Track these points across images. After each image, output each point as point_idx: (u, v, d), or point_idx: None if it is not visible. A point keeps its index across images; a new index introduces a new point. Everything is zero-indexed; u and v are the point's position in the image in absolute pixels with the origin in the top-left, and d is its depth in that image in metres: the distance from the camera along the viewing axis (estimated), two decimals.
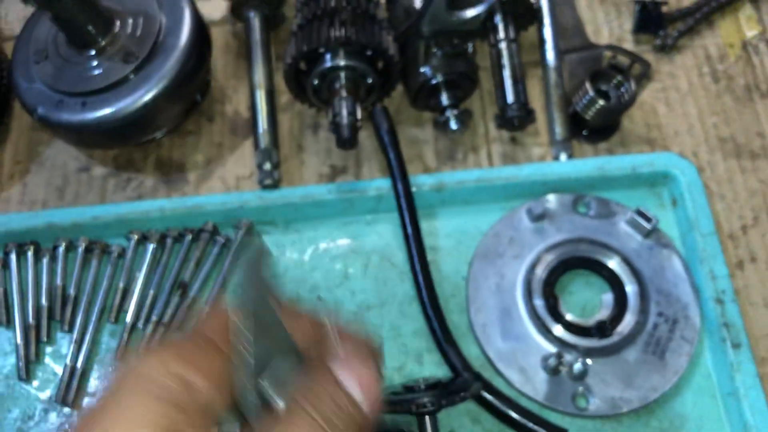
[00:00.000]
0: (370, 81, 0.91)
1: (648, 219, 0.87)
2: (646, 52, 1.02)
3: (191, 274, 0.89)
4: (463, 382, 0.78)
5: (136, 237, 0.90)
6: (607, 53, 1.01)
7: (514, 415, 0.79)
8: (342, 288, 0.89)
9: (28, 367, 0.85)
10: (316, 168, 0.97)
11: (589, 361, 0.81)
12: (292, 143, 0.98)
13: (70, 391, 0.84)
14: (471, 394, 0.74)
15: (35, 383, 0.85)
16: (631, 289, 0.85)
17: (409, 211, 0.88)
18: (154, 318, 0.86)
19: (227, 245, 0.90)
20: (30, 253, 0.90)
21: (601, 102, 0.92)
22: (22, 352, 0.86)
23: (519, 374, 0.82)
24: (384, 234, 0.92)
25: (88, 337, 0.86)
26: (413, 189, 0.89)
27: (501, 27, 0.96)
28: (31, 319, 0.87)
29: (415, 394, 0.75)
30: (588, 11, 1.05)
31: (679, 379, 0.82)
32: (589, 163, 0.92)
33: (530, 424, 0.79)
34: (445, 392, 0.74)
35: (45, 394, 0.85)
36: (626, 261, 0.86)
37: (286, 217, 0.92)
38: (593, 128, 0.96)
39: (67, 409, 0.84)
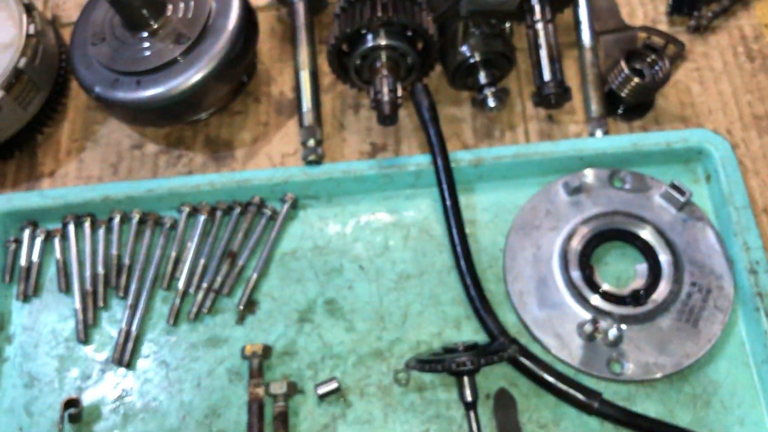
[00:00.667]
0: (409, 60, 0.95)
1: (682, 192, 0.89)
2: (681, 33, 1.04)
3: (239, 244, 0.93)
4: (500, 345, 0.81)
5: (187, 209, 0.94)
6: (642, 34, 1.03)
7: (549, 378, 0.81)
8: (383, 258, 0.92)
9: (86, 331, 0.90)
10: (357, 146, 1.00)
11: (623, 326, 0.83)
12: (334, 122, 1.02)
13: (125, 352, 0.88)
14: (508, 355, 0.77)
15: (93, 346, 0.90)
16: (664, 259, 0.87)
17: (448, 184, 0.91)
18: (204, 285, 0.90)
19: (273, 217, 0.94)
20: (87, 225, 0.95)
21: (636, 80, 0.94)
22: (80, 316, 0.90)
23: (555, 340, 0.84)
24: (423, 208, 0.95)
25: (141, 303, 0.90)
26: (452, 164, 0.92)
27: (538, 8, 0.99)
28: (88, 286, 0.92)
29: (455, 354, 0.78)
30: None
31: (713, 346, 0.84)
32: (624, 139, 0.94)
33: (565, 387, 0.81)
34: (483, 353, 0.77)
35: (102, 356, 0.89)
36: (660, 233, 0.88)
37: (328, 192, 0.96)
38: (628, 106, 0.98)
39: (122, 370, 0.88)
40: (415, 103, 0.96)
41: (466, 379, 0.79)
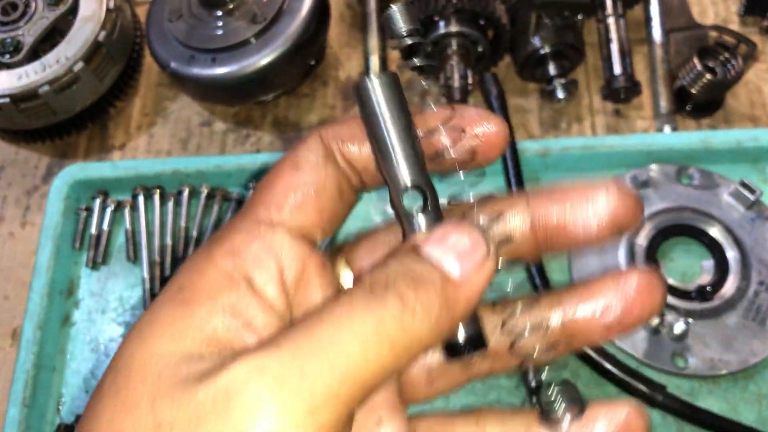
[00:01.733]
0: (480, 49, 0.96)
1: (752, 190, 0.88)
2: (753, 34, 1.03)
3: None
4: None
5: (254, 186, 0.96)
6: (713, 33, 1.02)
7: (613, 369, 0.81)
8: None
9: (153, 299, 0.92)
10: None
11: (690, 320, 0.83)
12: None
13: None
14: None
15: None
16: (732, 255, 0.86)
17: (515, 173, 0.91)
18: None
19: None
20: (156, 197, 0.97)
21: (708, 76, 0.94)
22: (147, 285, 0.92)
23: None
24: None
25: None
26: (519, 153, 0.93)
27: (609, 3, 0.99)
28: (156, 257, 0.94)
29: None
30: None
31: None
32: (693, 136, 0.93)
33: (630, 379, 0.81)
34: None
35: None
36: (728, 230, 0.88)
37: None
38: (697, 104, 0.98)
39: None
40: (483, 91, 0.96)
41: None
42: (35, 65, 0.96)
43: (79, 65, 0.96)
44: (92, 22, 0.98)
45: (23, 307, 0.92)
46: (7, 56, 0.97)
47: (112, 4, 1.00)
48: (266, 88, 1.00)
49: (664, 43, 1.00)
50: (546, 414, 0.43)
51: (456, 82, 0.91)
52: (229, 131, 1.04)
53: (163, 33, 1.00)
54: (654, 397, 0.80)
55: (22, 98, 0.95)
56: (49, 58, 0.96)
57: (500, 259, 0.40)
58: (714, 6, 1.06)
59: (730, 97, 0.99)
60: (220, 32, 0.97)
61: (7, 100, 0.95)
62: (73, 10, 0.99)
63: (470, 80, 0.92)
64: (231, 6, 0.97)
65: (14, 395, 0.85)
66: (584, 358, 0.83)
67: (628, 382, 0.81)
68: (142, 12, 1.06)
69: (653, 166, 0.93)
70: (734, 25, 1.04)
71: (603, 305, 0.42)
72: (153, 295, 0.92)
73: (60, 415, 0.88)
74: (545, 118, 1.00)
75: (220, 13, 0.97)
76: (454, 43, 0.94)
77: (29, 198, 1.02)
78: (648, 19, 1.02)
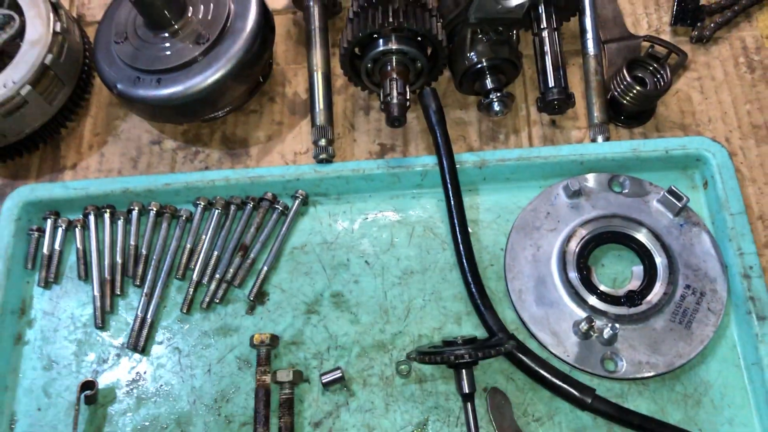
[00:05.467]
0: (419, 65, 0.98)
1: (679, 197, 0.92)
2: (684, 43, 1.07)
3: (252, 238, 0.97)
4: (498, 340, 0.84)
5: (202, 203, 0.99)
6: (645, 43, 1.06)
7: (545, 373, 0.85)
8: (388, 254, 0.96)
9: (103, 317, 0.94)
10: (367, 146, 1.04)
11: (618, 326, 0.86)
12: (345, 123, 1.06)
13: (141, 338, 0.92)
14: (506, 350, 0.80)
15: (109, 331, 0.94)
16: (660, 261, 0.90)
17: (452, 184, 0.94)
18: (217, 276, 0.94)
19: (284, 213, 0.98)
20: (107, 216, 0.99)
21: (638, 88, 0.97)
22: (98, 303, 0.95)
23: (551, 337, 0.88)
24: (428, 208, 0.99)
25: (157, 292, 0.94)
26: (457, 165, 0.96)
27: (544, 17, 1.02)
28: (107, 275, 0.96)
29: (454, 347, 0.82)
30: (628, 4, 1.11)
31: (705, 348, 0.87)
32: (624, 145, 0.97)
33: (560, 383, 0.84)
34: (482, 347, 0.81)
35: (118, 341, 0.93)
36: (657, 236, 0.91)
37: (338, 190, 1.00)
38: (629, 113, 1.01)
39: (137, 355, 0.92)
40: (423, 106, 0.99)
41: (464, 371, 0.83)
42: None
43: (26, 89, 0.98)
44: (39, 46, 1.00)
45: None
46: None
47: (58, 27, 1.02)
48: (213, 106, 1.02)
49: (597, 54, 1.04)
50: None
51: (395, 98, 0.94)
52: (179, 149, 1.06)
53: (110, 54, 1.02)
54: (584, 400, 0.83)
55: None
56: None
57: None
58: (647, 16, 1.10)
59: (661, 105, 1.02)
60: (165, 53, 0.99)
61: None
62: (19, 34, 1.01)
63: (408, 96, 0.95)
64: (176, 27, 0.99)
65: None
66: (518, 363, 0.86)
67: (560, 385, 0.84)
68: (92, 32, 1.08)
69: (586, 176, 0.97)
70: (666, 35, 1.08)
71: None
72: (104, 312, 0.94)
73: None
74: (484, 130, 1.04)
75: (166, 34, 1.00)
76: (393, 60, 0.97)
77: None
78: (583, 31, 1.06)
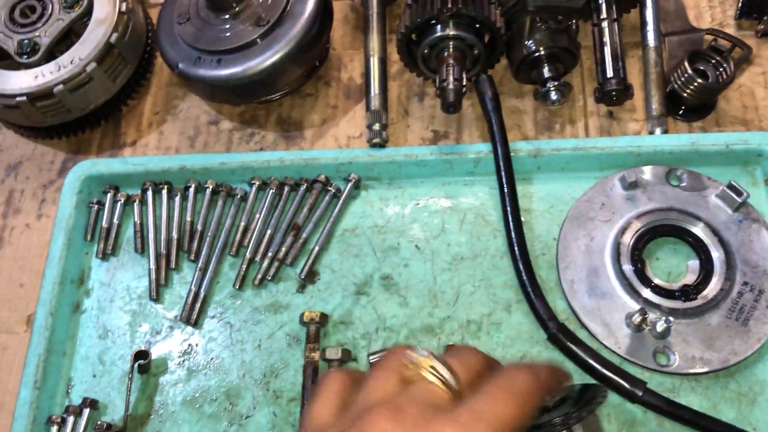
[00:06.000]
0: (476, 52, 0.98)
1: (739, 192, 0.90)
2: (748, 38, 1.04)
3: (304, 219, 0.98)
4: (592, 395, 0.78)
5: (257, 183, 1.00)
6: (708, 37, 1.04)
7: (595, 364, 0.84)
8: (438, 240, 0.96)
9: (158, 290, 0.97)
10: (420, 132, 1.04)
11: (672, 320, 0.85)
12: (399, 109, 1.06)
13: (193, 312, 0.94)
14: (598, 405, 0.75)
15: (163, 304, 0.96)
16: (717, 256, 0.88)
17: (507, 171, 0.94)
18: (270, 254, 0.96)
19: (337, 195, 0.99)
20: (164, 192, 1.01)
21: (699, 80, 0.95)
22: (153, 276, 0.97)
23: (603, 328, 0.87)
24: (480, 195, 0.99)
25: (211, 267, 0.96)
26: (511, 154, 0.95)
27: (604, 7, 1.01)
28: (162, 249, 0.98)
29: (547, 417, 0.77)
30: None
31: (762, 346, 0.85)
32: (683, 138, 0.95)
33: (611, 374, 0.83)
34: (574, 406, 0.76)
35: (171, 314, 0.96)
36: (714, 231, 0.90)
37: (390, 174, 1.00)
38: (689, 107, 1.00)
39: (189, 328, 0.94)
40: (479, 93, 0.99)
41: None
42: (51, 65, 1.01)
43: (92, 66, 1.01)
44: (105, 25, 1.03)
45: (37, 295, 0.97)
46: (25, 57, 1.02)
47: (124, 7, 1.05)
48: (270, 88, 1.03)
49: (657, 46, 1.02)
50: None
51: (451, 84, 0.94)
52: (235, 130, 1.08)
53: (172, 35, 1.04)
54: (634, 392, 0.82)
55: (38, 97, 1.01)
56: (64, 58, 1.01)
57: None
58: (711, 10, 1.08)
59: (723, 100, 1.00)
60: (226, 34, 1.01)
61: (25, 98, 1.00)
62: (88, 13, 1.04)
63: (464, 82, 0.95)
64: (237, 9, 1.01)
65: (26, 378, 0.90)
66: (568, 352, 0.86)
67: (610, 377, 0.83)
68: (155, 13, 1.11)
69: (643, 168, 0.95)
70: (730, 29, 1.06)
71: None
72: (159, 285, 0.96)
73: (69, 397, 0.93)
74: (540, 120, 1.03)
75: (226, 16, 1.01)
76: (450, 46, 0.97)
77: (45, 191, 1.08)
78: (643, 23, 1.04)
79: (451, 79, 0.94)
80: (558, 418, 0.73)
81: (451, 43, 0.97)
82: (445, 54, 0.97)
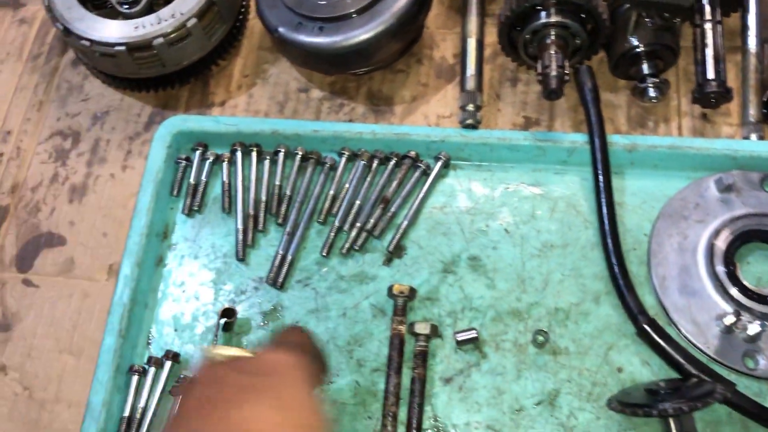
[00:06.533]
0: (578, 41, 0.98)
1: None
2: None
3: (393, 192, 0.98)
4: (708, 387, 0.79)
5: (347, 153, 1.00)
6: None
7: (684, 362, 0.84)
8: (528, 226, 0.96)
9: (245, 250, 0.97)
10: (511, 117, 1.04)
11: (767, 324, 0.85)
12: (491, 92, 1.06)
13: (280, 275, 0.94)
14: (717, 400, 0.76)
15: (249, 265, 0.97)
16: None
17: (603, 163, 0.94)
18: (358, 224, 0.96)
19: (426, 172, 0.99)
20: (253, 154, 1.01)
21: None
22: (240, 236, 0.97)
23: (692, 326, 0.87)
24: (571, 185, 0.99)
25: (298, 232, 0.96)
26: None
27: (708, 8, 1.01)
28: (250, 210, 0.98)
29: (657, 397, 0.79)
30: None
31: None
32: None
33: (698, 373, 0.83)
34: (689, 398, 0.77)
35: (256, 275, 0.96)
36: None
37: (481, 156, 1.00)
38: None
39: (274, 291, 0.94)
40: (578, 83, 0.99)
41: (671, 420, 0.80)
42: (151, 18, 1.01)
43: (193, 21, 1.00)
44: None
45: (119, 245, 0.98)
46: (126, 7, 1.02)
47: None
48: (367, 60, 1.03)
49: (758, 52, 1.02)
50: None
51: (554, 71, 0.94)
52: (325, 99, 1.08)
53: None
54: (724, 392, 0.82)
55: (136, 48, 1.00)
56: (165, 12, 1.01)
57: None
58: None
59: None
60: (327, 3, 1.00)
61: (123, 48, 1.00)
62: None
63: (567, 70, 0.95)
64: None
65: (111, 326, 0.90)
66: (657, 348, 0.86)
67: (698, 376, 0.83)
68: None
69: (737, 172, 0.95)
70: None
71: None
72: (245, 246, 0.97)
73: (149, 349, 0.93)
74: (633, 116, 1.03)
75: None
76: (553, 34, 0.97)
77: (131, 143, 1.07)
78: (744, 28, 1.04)
79: (554, 65, 0.94)
80: (668, 405, 0.73)
81: (554, 30, 0.97)
82: (548, 41, 0.97)
